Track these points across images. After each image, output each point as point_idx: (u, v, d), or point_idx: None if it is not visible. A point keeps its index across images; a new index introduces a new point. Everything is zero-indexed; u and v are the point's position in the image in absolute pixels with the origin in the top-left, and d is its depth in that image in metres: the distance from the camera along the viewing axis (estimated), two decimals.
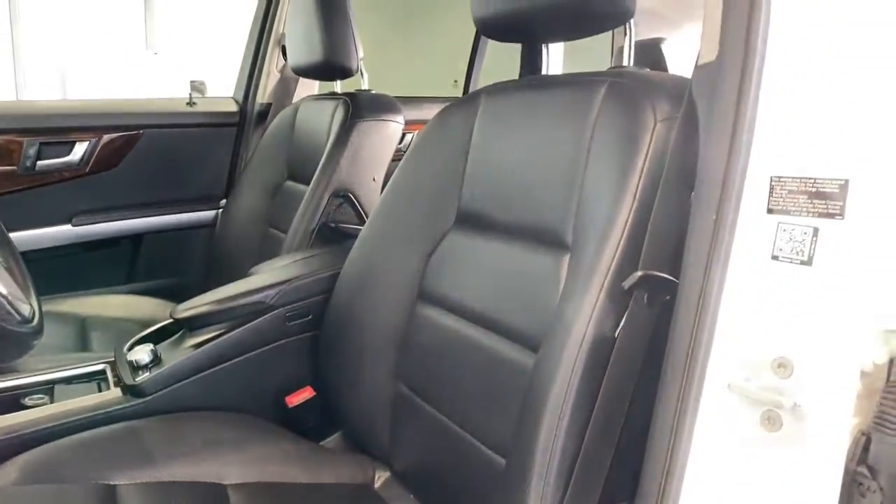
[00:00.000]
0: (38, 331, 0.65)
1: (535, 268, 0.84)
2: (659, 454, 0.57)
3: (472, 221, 0.99)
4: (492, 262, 0.92)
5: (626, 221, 0.69)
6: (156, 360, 1.09)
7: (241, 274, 1.30)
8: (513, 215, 0.91)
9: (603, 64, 1.07)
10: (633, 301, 0.67)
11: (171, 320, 1.17)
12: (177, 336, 1.14)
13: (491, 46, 2.45)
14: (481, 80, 2.52)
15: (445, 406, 0.94)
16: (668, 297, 0.64)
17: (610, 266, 0.69)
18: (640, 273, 0.64)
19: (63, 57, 5.72)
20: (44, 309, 1.61)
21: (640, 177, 0.70)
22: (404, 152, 1.13)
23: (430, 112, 1.24)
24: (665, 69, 1.94)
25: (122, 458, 0.91)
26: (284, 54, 1.93)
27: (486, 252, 0.94)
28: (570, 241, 0.80)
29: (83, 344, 1.48)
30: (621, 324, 0.67)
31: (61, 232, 1.81)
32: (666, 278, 0.63)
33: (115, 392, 1.07)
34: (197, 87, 2.07)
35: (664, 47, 2.14)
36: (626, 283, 0.65)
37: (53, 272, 1.81)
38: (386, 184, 1.13)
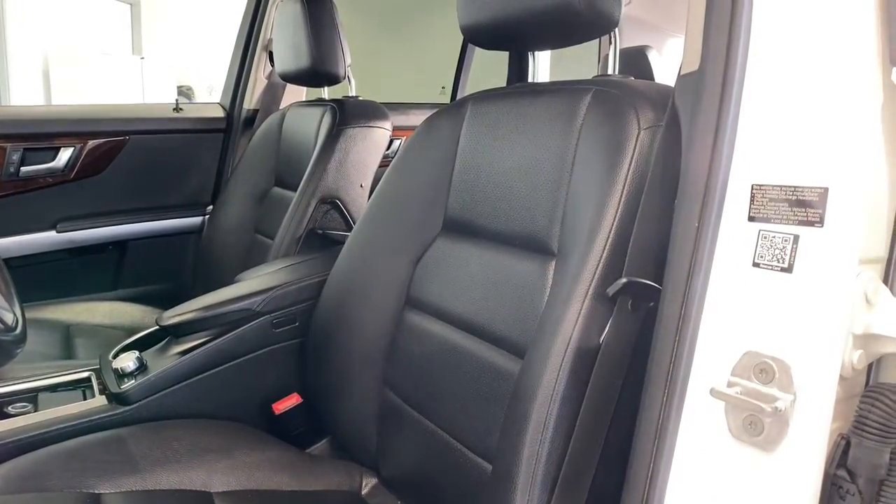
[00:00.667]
0: (21, 339, 0.64)
1: (521, 274, 0.85)
2: (643, 459, 0.57)
3: (458, 228, 0.99)
4: (478, 269, 0.93)
5: (611, 228, 0.70)
6: (141, 367, 1.08)
7: (228, 280, 1.30)
8: (499, 222, 0.91)
9: (591, 71, 1.09)
10: (618, 307, 0.67)
11: (156, 327, 1.16)
12: (163, 343, 1.14)
13: (479, 53, 2.47)
14: (469, 87, 2.53)
15: (433, 412, 0.94)
16: (651, 304, 0.65)
17: (595, 272, 0.69)
18: (624, 280, 0.65)
19: (47, 60, 5.67)
20: (28, 316, 1.60)
21: (624, 184, 0.71)
22: (392, 159, 1.13)
23: (417, 118, 1.24)
24: (651, 77, 1.96)
25: (107, 467, 0.91)
26: (272, 60, 1.93)
27: (473, 259, 0.94)
28: (555, 248, 0.81)
29: (68, 351, 1.47)
30: (606, 330, 0.68)
31: (46, 238, 1.79)
32: (650, 285, 0.63)
33: (100, 400, 1.06)
34: (185, 92, 2.07)
35: (650, 55, 2.17)
36: (611, 290, 0.65)
37: (38, 279, 1.80)
38: (373, 190, 1.14)
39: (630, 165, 0.71)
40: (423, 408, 0.96)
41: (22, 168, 1.75)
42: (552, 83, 0.93)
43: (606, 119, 0.77)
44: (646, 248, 0.65)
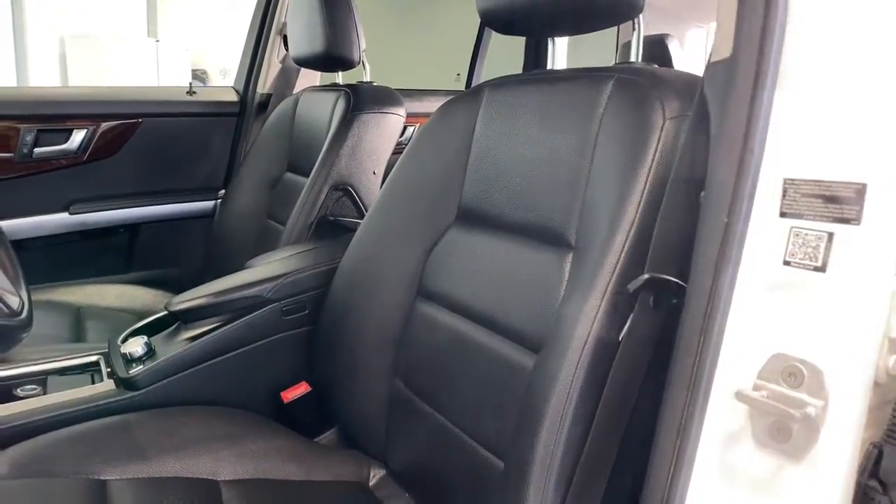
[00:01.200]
0: (27, 324, 0.63)
1: (537, 267, 0.83)
2: (663, 463, 0.55)
3: (473, 217, 0.97)
4: (493, 260, 0.91)
5: (633, 221, 0.67)
6: (150, 352, 1.07)
7: (239, 265, 1.28)
8: (515, 212, 0.89)
9: (608, 61, 1.05)
10: (639, 304, 0.65)
11: (166, 312, 1.15)
12: (172, 329, 1.12)
13: (495, 39, 2.43)
14: (484, 74, 2.50)
15: (443, 405, 0.93)
16: (674, 301, 0.62)
17: (615, 267, 0.67)
18: (646, 275, 0.62)
19: (64, 43, 5.68)
20: (39, 298, 1.60)
21: (647, 175, 0.68)
22: (405, 146, 1.11)
23: (431, 105, 1.22)
24: (671, 66, 1.92)
25: (114, 453, 0.90)
26: (286, 44, 1.91)
27: (487, 249, 0.92)
28: (573, 240, 0.79)
29: (78, 334, 1.47)
30: (626, 327, 0.65)
31: (58, 220, 1.79)
32: (673, 281, 0.61)
33: (108, 384, 1.05)
34: (199, 75, 2.06)
35: (671, 45, 2.12)
36: (632, 286, 0.63)
37: (50, 261, 1.80)
38: (386, 177, 1.12)
39: (654, 156, 0.69)
40: (433, 400, 0.95)
41: (35, 149, 1.74)
42: (572, 70, 0.90)
43: (629, 108, 0.74)
44: (669, 242, 0.63)
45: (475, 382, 0.87)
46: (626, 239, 0.67)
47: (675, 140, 0.69)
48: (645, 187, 0.68)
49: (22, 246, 1.75)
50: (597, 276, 0.68)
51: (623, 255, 0.67)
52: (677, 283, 0.61)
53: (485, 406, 0.84)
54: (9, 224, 1.72)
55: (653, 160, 0.68)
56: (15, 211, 1.74)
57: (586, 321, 0.66)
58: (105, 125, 1.82)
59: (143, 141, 1.87)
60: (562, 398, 0.66)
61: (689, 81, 0.75)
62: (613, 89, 0.78)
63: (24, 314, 0.63)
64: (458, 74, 2.53)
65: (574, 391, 0.66)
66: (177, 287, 1.81)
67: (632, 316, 0.65)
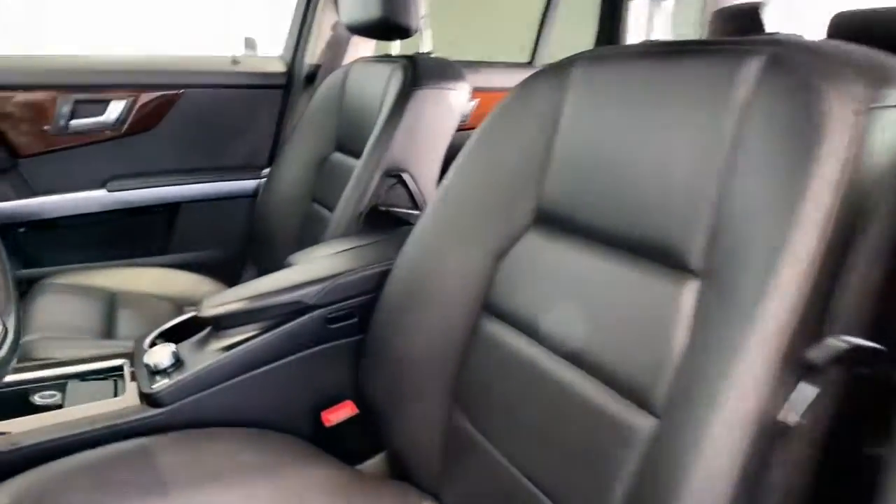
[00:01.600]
0: (8, 360, 0.50)
1: (642, 294, 0.65)
2: None
3: (555, 222, 0.80)
4: (581, 277, 0.73)
5: (807, 256, 0.49)
6: (177, 363, 0.94)
7: (282, 250, 1.15)
8: (611, 219, 0.71)
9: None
10: (822, 376, 0.47)
11: (194, 313, 1.02)
12: (202, 336, 0.99)
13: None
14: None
15: (514, 452, 0.77)
16: (866, 370, 0.44)
17: (779, 317, 0.48)
18: (843, 344, 0.44)
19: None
20: (74, 281, 1.50)
21: (827, 193, 0.49)
22: (466, 127, 0.93)
23: (490, 79, 1.04)
24: None
25: (131, 486, 0.77)
26: (338, 9, 1.75)
27: (573, 263, 0.75)
28: (698, 266, 0.61)
29: (109, 324, 1.37)
30: (800, 405, 0.47)
31: (94, 198, 1.70)
32: (874, 348, 0.43)
33: (129, 398, 0.93)
34: (250, 43, 1.94)
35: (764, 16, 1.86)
36: (818, 357, 0.45)
37: (85, 240, 1.72)
38: (446, 164, 0.95)
39: (836, 163, 0.50)
40: (500, 442, 0.79)
41: (72, 122, 1.65)
42: (699, 42, 0.71)
43: (793, 95, 0.55)
44: (865, 288, 0.45)
45: (557, 432, 0.70)
46: (796, 278, 0.48)
47: (865, 142, 0.50)
48: (824, 206, 0.49)
49: (57, 224, 1.67)
50: (748, 327, 0.49)
51: (791, 300, 0.48)
52: (877, 349, 0.43)
53: (571, 465, 0.68)
54: (43, 201, 1.64)
55: (835, 168, 0.49)
56: (50, 187, 1.65)
57: (735, 387, 0.49)
58: (145, 96, 1.71)
59: (184, 114, 1.75)
60: (703, 488, 0.49)
61: (875, 61, 0.55)
62: (765, 68, 0.58)
63: (4, 350, 0.49)
64: (524, 46, 2.32)
65: (717, 481, 0.48)
66: (216, 271, 1.70)
67: (810, 392, 0.47)
